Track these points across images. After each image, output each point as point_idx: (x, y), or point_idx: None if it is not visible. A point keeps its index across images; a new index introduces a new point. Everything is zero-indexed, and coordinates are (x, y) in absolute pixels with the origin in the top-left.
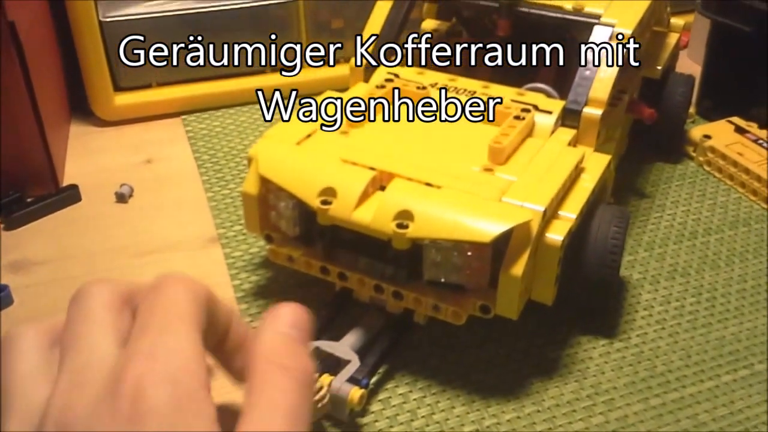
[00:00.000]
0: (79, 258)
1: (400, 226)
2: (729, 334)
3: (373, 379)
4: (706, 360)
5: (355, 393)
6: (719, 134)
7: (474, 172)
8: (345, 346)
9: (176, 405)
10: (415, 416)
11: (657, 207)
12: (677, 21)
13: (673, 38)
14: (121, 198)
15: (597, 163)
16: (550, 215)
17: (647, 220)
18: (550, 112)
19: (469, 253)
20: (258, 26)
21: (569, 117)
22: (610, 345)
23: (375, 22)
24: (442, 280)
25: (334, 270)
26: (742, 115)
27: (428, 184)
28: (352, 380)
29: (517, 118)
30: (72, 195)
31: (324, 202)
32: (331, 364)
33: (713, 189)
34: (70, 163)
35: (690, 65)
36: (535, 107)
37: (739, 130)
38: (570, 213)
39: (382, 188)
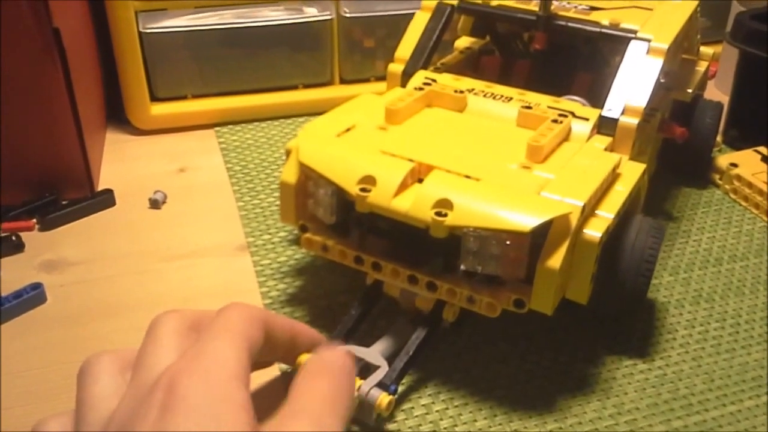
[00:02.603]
0: (111, 260)
1: (438, 214)
2: (752, 360)
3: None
4: (729, 385)
5: (384, 399)
6: (746, 163)
7: (512, 169)
8: (375, 352)
9: (207, 393)
10: (437, 427)
11: (682, 233)
12: (706, 50)
13: (702, 65)
14: (155, 204)
15: (632, 170)
16: (588, 212)
17: (673, 245)
18: (586, 119)
19: (508, 243)
20: (293, 43)
21: (605, 125)
22: (633, 366)
23: (410, 39)
24: (479, 269)
25: (368, 260)
26: None
27: (467, 177)
28: (381, 386)
29: (554, 121)
30: (107, 199)
31: (363, 190)
32: (361, 369)
33: (739, 217)
34: (105, 168)
35: (718, 96)
36: (572, 114)
37: (766, 159)
38: (608, 213)
39: (420, 181)
